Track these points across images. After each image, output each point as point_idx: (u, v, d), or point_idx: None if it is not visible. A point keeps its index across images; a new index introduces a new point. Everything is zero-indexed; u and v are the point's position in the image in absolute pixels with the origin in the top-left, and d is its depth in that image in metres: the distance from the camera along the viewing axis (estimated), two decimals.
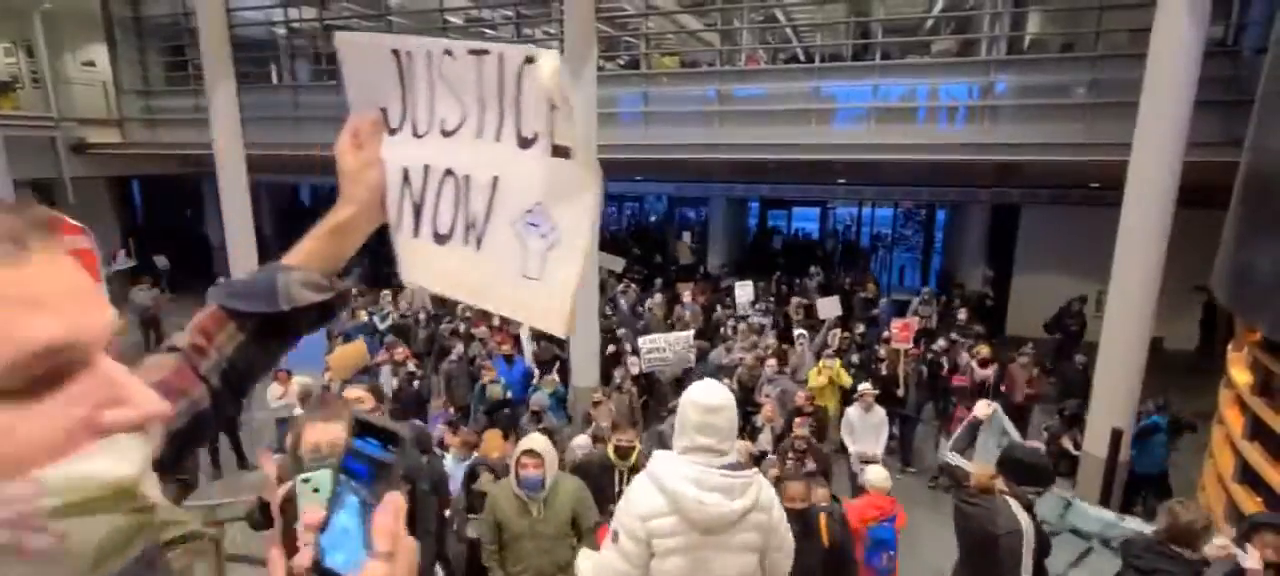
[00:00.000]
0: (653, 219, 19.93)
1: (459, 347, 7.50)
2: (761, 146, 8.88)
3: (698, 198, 16.30)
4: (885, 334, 7.69)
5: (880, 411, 6.04)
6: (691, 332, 7.77)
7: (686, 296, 10.18)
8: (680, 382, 6.99)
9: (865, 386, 6.11)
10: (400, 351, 7.27)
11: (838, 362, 7.11)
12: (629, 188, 16.08)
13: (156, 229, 16.29)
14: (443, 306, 10.02)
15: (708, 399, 1.83)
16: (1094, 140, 7.19)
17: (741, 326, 8.60)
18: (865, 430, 6.01)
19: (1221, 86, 6.48)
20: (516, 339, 8.36)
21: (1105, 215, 6.55)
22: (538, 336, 8.76)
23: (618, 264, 11.63)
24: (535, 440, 3.10)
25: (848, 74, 8.70)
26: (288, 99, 11.50)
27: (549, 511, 3.03)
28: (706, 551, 1.80)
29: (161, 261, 14.40)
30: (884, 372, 7.07)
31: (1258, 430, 5.19)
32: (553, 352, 8.05)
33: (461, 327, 8.58)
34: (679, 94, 9.37)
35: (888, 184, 12.53)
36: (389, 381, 6.97)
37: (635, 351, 7.41)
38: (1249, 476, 5.16)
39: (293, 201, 20.56)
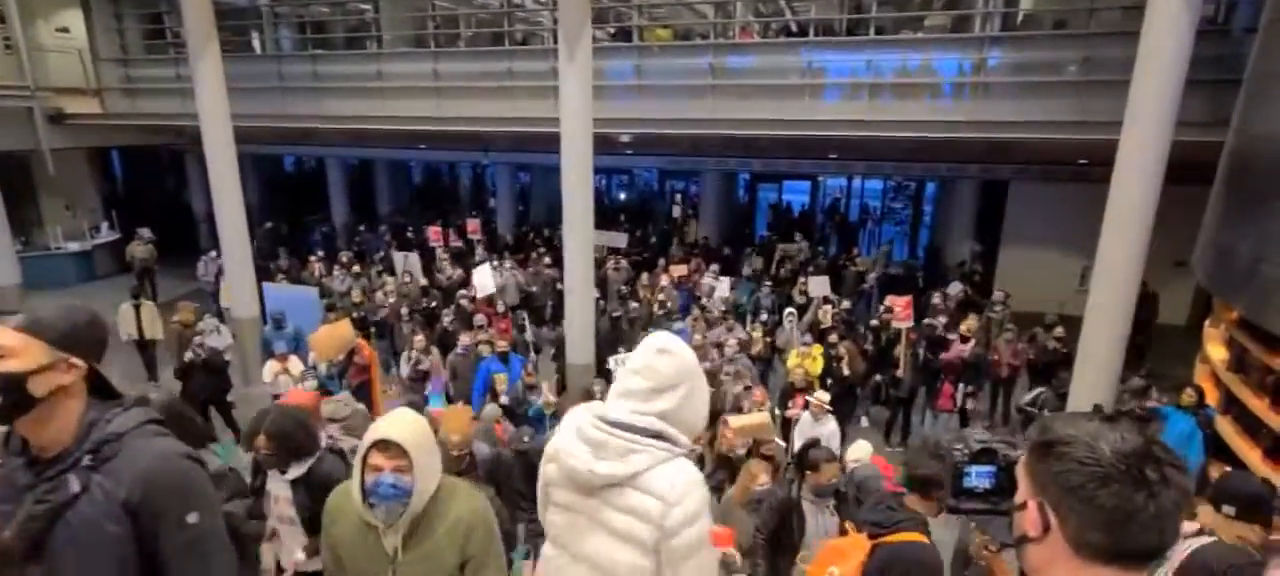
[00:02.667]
0: (622, 197, 19.73)
1: (466, 339, 6.99)
2: (754, 122, 8.85)
3: (689, 171, 16.25)
4: (882, 312, 7.73)
5: (832, 423, 5.68)
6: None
7: (665, 278, 9.95)
8: None
9: (820, 394, 5.78)
10: (366, 351, 6.89)
11: (816, 347, 6.96)
12: (619, 161, 15.96)
13: (139, 200, 16.00)
14: (429, 294, 9.77)
15: (659, 341, 1.55)
16: (1085, 118, 7.24)
17: (708, 308, 8.55)
18: None
19: (1210, 65, 6.52)
20: (522, 327, 8.25)
21: (1092, 191, 6.63)
22: (538, 322, 8.73)
23: (620, 241, 11.47)
24: (392, 424, 1.78)
25: (841, 47, 8.66)
26: (272, 69, 11.23)
27: (416, 550, 1.78)
28: (582, 516, 1.55)
29: (145, 233, 14.21)
30: (868, 350, 7.04)
31: (1230, 404, 5.39)
32: (556, 334, 8.03)
33: (448, 322, 8.26)
34: (671, 66, 9.27)
35: (879, 159, 12.56)
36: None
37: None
38: (1220, 449, 5.38)
39: (277, 172, 20.25)
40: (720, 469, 4.84)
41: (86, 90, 12.27)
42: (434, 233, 11.42)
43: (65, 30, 12.45)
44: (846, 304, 9.09)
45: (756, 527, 3.52)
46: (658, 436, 1.50)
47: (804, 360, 6.77)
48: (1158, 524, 0.83)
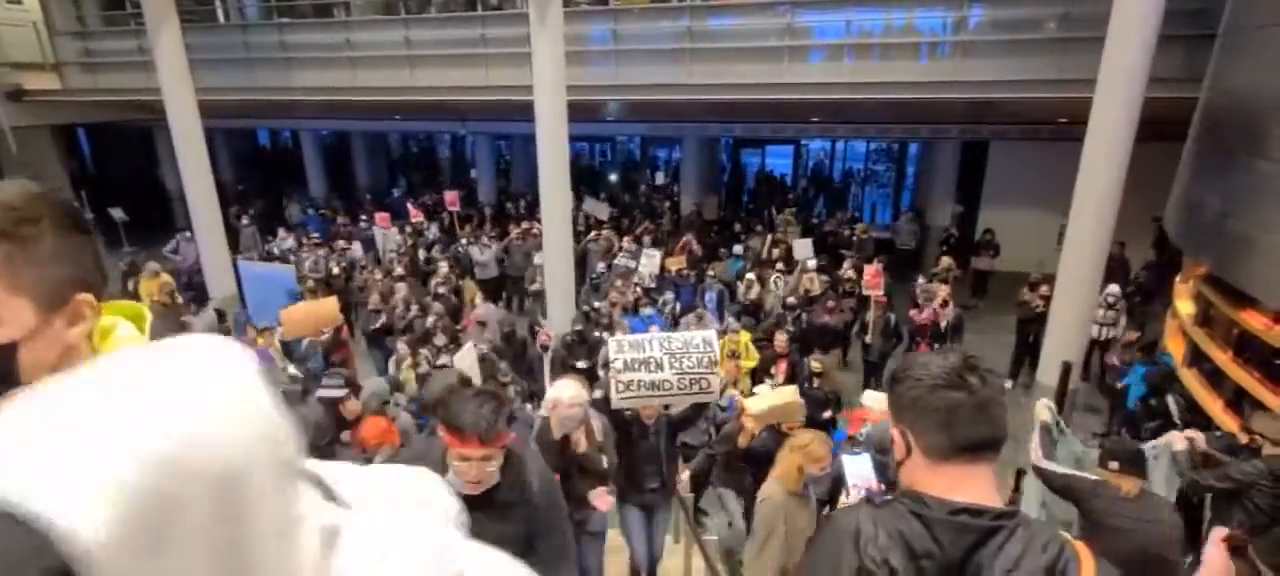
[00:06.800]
0: (611, 174, 19.29)
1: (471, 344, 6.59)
2: (734, 86, 8.73)
3: (670, 137, 16.06)
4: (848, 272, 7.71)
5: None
6: (712, 333, 3.83)
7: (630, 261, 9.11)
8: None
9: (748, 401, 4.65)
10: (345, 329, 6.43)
11: (743, 335, 6.19)
12: (599, 128, 15.72)
13: (109, 179, 15.60)
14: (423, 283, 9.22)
15: None
16: (1063, 76, 7.20)
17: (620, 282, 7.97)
18: None
19: (1188, 19, 6.49)
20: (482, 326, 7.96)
21: (1072, 150, 6.63)
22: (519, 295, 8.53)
23: (602, 211, 11.29)
24: None
25: (821, 6, 8.51)
26: (237, 39, 10.87)
27: None
28: None
29: (118, 214, 13.88)
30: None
31: (1196, 358, 5.50)
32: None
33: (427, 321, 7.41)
34: (649, 30, 9.07)
35: (861, 121, 12.47)
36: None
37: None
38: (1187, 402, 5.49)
39: (251, 146, 19.79)
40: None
41: (45, 65, 11.82)
42: (382, 220, 10.61)
43: (17, 2, 11.93)
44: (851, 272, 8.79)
45: None
46: None
47: (730, 344, 5.85)
48: (981, 414, 1.01)
